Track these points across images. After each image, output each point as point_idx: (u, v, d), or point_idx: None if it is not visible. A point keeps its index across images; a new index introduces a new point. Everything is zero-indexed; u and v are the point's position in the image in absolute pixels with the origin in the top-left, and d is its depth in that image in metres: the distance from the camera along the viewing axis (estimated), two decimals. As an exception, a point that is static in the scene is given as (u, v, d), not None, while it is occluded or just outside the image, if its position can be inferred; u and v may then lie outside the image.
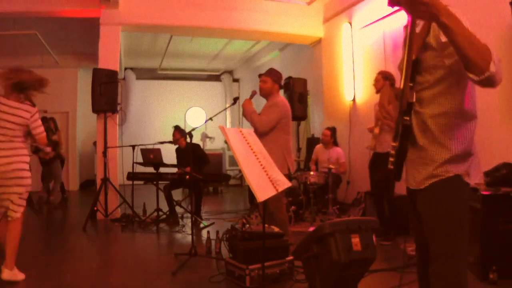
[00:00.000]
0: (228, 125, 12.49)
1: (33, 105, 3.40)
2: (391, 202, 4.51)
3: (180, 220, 5.89)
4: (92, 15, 6.49)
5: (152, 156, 5.71)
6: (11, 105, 3.26)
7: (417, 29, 1.60)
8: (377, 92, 4.68)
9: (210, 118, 3.90)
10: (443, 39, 1.47)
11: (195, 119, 12.44)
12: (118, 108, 6.39)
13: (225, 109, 4.96)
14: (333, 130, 6.30)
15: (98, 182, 6.21)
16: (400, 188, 3.40)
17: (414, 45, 1.57)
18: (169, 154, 6.43)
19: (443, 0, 1.35)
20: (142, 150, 5.79)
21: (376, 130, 4.62)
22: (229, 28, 7.19)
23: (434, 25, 1.52)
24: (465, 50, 1.33)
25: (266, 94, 4.04)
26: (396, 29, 5.53)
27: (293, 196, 5.65)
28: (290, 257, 3.27)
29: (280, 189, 2.64)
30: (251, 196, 5.74)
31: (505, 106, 3.94)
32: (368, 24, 6.24)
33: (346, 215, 5.65)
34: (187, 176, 5.54)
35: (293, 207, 5.52)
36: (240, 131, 2.85)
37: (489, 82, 1.35)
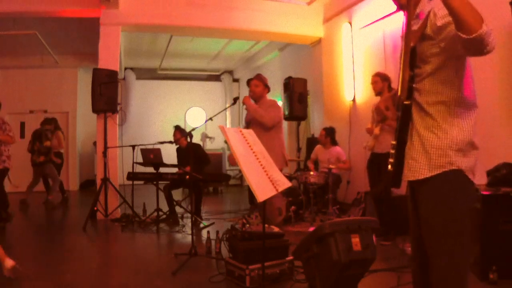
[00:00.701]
0: (228, 125, 12.49)
1: None
2: (390, 203, 4.50)
3: (180, 220, 5.88)
4: (92, 15, 6.49)
5: (152, 156, 5.71)
6: None
7: (415, 27, 1.63)
8: (377, 94, 4.68)
9: (210, 118, 3.90)
10: (439, 23, 1.50)
11: (195, 119, 12.45)
12: (118, 108, 6.38)
13: (225, 109, 4.97)
14: (328, 130, 6.32)
15: (98, 182, 6.21)
16: (400, 188, 3.38)
17: (412, 37, 1.59)
18: (169, 154, 6.43)
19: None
20: (142, 150, 5.78)
21: (377, 131, 4.61)
22: (229, 28, 7.19)
23: (431, 16, 1.55)
24: (458, 9, 1.34)
25: (258, 97, 4.65)
26: (396, 29, 5.53)
27: (293, 196, 5.65)
28: (290, 257, 3.26)
29: (280, 189, 2.65)
30: (251, 196, 5.73)
31: (505, 106, 3.94)
32: (368, 24, 6.24)
33: (346, 215, 5.64)
34: (187, 176, 5.54)
35: (293, 207, 5.51)
36: (240, 131, 2.85)
37: (481, 43, 1.35)
